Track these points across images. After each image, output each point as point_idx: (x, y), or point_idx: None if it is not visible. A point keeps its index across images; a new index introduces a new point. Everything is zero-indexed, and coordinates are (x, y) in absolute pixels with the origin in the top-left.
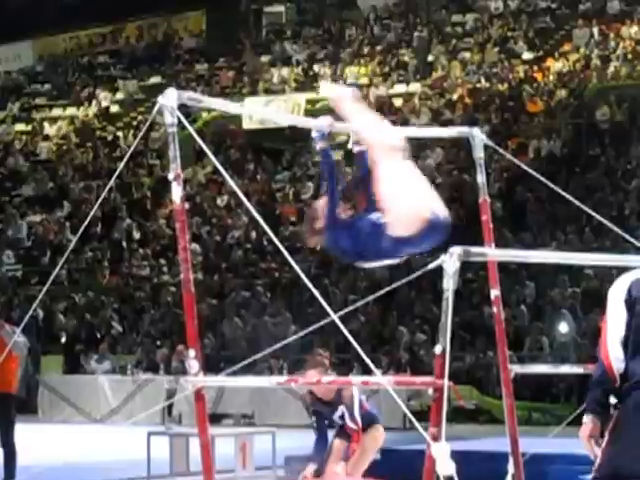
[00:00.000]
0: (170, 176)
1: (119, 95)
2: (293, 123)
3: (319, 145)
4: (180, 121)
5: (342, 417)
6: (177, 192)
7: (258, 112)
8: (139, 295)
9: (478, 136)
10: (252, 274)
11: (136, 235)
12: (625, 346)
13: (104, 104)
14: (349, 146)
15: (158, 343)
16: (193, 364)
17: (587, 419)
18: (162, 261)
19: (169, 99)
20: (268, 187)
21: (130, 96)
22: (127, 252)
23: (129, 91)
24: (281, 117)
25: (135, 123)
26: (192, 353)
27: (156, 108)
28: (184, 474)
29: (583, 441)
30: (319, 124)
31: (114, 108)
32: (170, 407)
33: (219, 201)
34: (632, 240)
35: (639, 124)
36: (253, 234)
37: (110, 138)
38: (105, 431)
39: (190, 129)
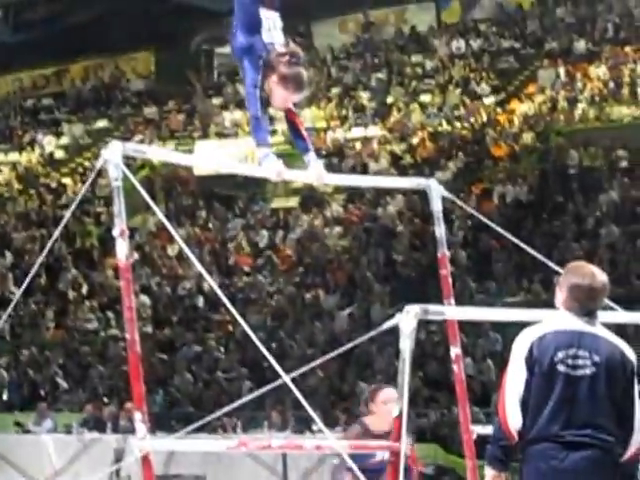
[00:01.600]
0: (115, 232)
1: (64, 140)
2: (241, 172)
3: None
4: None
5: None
6: (122, 249)
7: (202, 162)
8: (85, 350)
9: (436, 188)
10: (204, 327)
11: (83, 287)
12: (523, 404)
13: (48, 149)
14: None
15: (105, 400)
16: (140, 427)
17: (488, 473)
18: (110, 314)
19: (113, 153)
20: (221, 235)
21: (75, 141)
22: (73, 304)
23: (74, 135)
24: (228, 165)
25: (81, 169)
26: (139, 416)
27: (100, 162)
28: None
29: None
30: (267, 174)
31: (59, 153)
32: (118, 467)
33: (170, 250)
34: None
35: (609, 169)
36: (205, 285)
37: (54, 185)
38: None
39: (135, 182)
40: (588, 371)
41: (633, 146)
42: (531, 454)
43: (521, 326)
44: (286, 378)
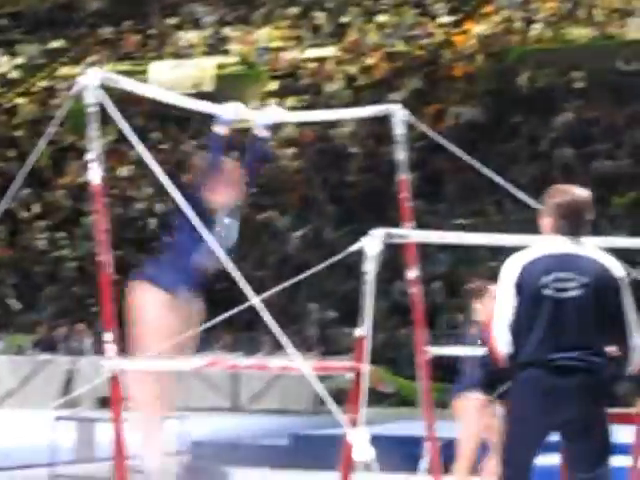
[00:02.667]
0: (89, 156)
1: (19, 60)
2: (199, 109)
3: (222, 131)
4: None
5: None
6: (96, 173)
7: (177, 100)
8: (37, 270)
9: (399, 113)
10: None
11: (35, 206)
12: (513, 330)
13: (3, 69)
14: (255, 131)
15: (57, 321)
16: (110, 348)
17: (478, 396)
18: (61, 234)
19: (92, 79)
20: (174, 156)
21: (30, 61)
22: (24, 224)
23: (29, 55)
24: (193, 103)
25: (36, 89)
26: (109, 337)
27: (77, 87)
28: (90, 460)
29: (472, 412)
30: (225, 112)
31: (13, 73)
32: (69, 389)
33: (120, 171)
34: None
35: (564, 90)
36: (157, 206)
37: (9, 105)
38: (1, 415)
39: (111, 107)
40: (575, 293)
41: (588, 67)
42: (521, 379)
43: (469, 248)
44: (256, 300)
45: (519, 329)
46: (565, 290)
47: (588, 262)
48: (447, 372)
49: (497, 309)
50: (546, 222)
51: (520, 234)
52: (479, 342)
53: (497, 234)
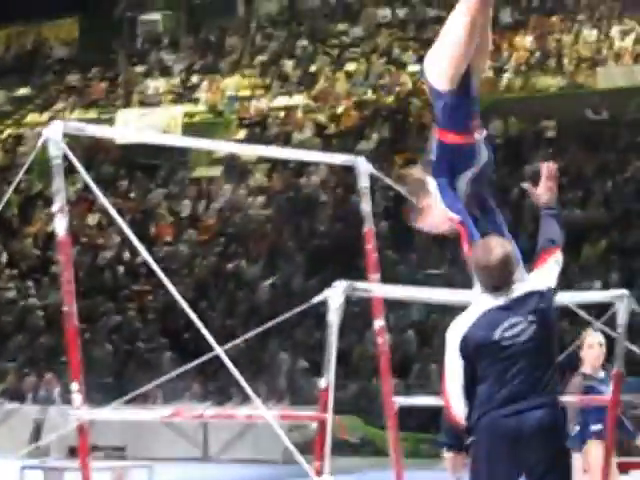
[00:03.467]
0: (54, 208)
1: None
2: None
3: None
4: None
5: None
6: (62, 225)
7: (151, 139)
8: (5, 319)
9: (363, 165)
10: (124, 297)
11: (2, 255)
12: (466, 391)
13: None
14: None
15: (25, 371)
16: (76, 397)
17: (447, 455)
18: (29, 283)
19: (54, 131)
20: (142, 205)
21: None
22: None
23: None
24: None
25: (3, 137)
26: (75, 387)
27: (41, 140)
28: None
29: (450, 473)
30: None
31: None
32: (37, 438)
33: (90, 219)
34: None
35: (534, 139)
36: (126, 255)
37: None
38: None
39: (76, 163)
40: (524, 337)
41: (558, 116)
42: (481, 426)
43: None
44: (219, 350)
45: (474, 388)
46: (515, 337)
47: (527, 300)
48: (420, 421)
49: (447, 375)
50: (476, 277)
51: None
52: None
53: (460, 290)
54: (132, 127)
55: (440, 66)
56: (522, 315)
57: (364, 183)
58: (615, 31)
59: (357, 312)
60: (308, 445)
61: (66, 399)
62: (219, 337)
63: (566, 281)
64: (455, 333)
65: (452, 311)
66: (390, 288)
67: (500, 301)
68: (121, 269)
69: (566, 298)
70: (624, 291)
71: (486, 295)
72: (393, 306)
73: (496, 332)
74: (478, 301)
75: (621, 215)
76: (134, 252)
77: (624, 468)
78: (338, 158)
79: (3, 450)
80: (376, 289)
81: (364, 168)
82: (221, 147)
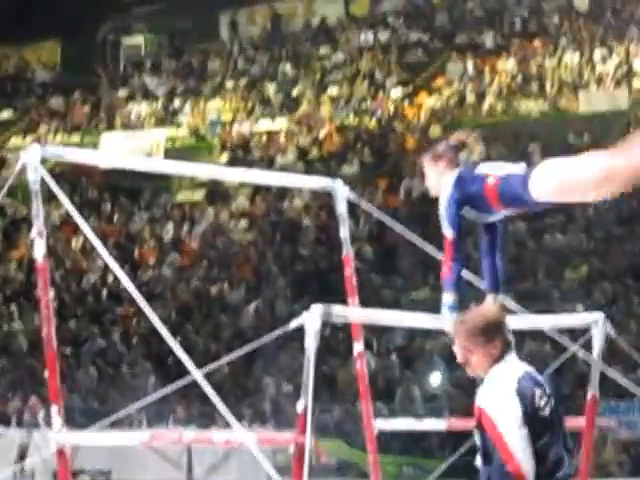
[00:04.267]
0: (33, 233)
1: None
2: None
3: None
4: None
5: None
6: (40, 249)
7: (131, 164)
8: None
9: (340, 190)
10: (109, 321)
11: None
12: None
13: None
14: None
15: (9, 395)
16: (56, 421)
17: None
18: (13, 307)
19: (32, 156)
20: (125, 229)
21: None
22: None
23: None
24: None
25: None
26: (55, 409)
27: (19, 165)
28: None
29: None
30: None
31: None
32: (22, 462)
33: (74, 243)
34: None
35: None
36: (110, 278)
37: None
38: None
39: (52, 183)
40: (549, 408)
41: (540, 140)
42: None
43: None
44: (197, 374)
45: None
46: (546, 406)
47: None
48: (403, 444)
49: (516, 447)
50: (485, 350)
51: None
52: None
53: (430, 315)
54: (115, 151)
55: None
56: (544, 386)
57: (342, 209)
58: (597, 56)
59: (343, 337)
60: (291, 468)
61: (50, 422)
62: (203, 361)
63: (548, 305)
64: (508, 400)
65: (435, 335)
66: (367, 312)
67: (526, 366)
68: (105, 293)
69: (543, 322)
70: (600, 315)
71: (507, 358)
72: (377, 330)
73: (535, 399)
74: (503, 367)
75: (602, 240)
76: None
77: None
78: (316, 182)
79: None
80: (352, 313)
81: (342, 193)
82: (199, 171)
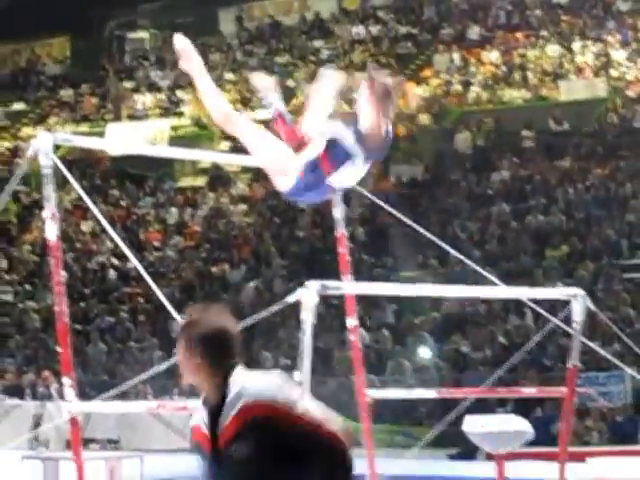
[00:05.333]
0: (45, 214)
1: None
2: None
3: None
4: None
5: None
6: (52, 230)
7: (132, 149)
8: (4, 321)
9: None
10: (117, 299)
11: (1, 261)
12: None
13: None
14: None
15: (24, 368)
16: (68, 391)
17: None
18: (27, 287)
19: (44, 142)
20: (132, 213)
21: None
22: None
23: None
24: (183, 153)
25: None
26: (67, 381)
27: (30, 150)
28: None
29: None
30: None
31: None
32: (36, 431)
33: (84, 227)
34: (477, 268)
35: (500, 149)
36: (117, 260)
37: None
38: None
39: (62, 168)
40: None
41: (524, 127)
42: None
43: (414, 299)
44: None
45: None
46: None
47: None
48: (395, 414)
49: None
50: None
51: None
52: None
53: (420, 285)
54: (121, 140)
55: None
56: None
57: None
58: (576, 47)
59: (335, 312)
60: None
61: (62, 395)
62: None
63: (531, 283)
64: None
65: (423, 311)
66: (358, 285)
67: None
68: (113, 273)
69: (526, 293)
70: (579, 290)
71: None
72: (368, 308)
73: None
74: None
75: (582, 221)
76: (125, 257)
77: (581, 456)
78: None
79: (5, 443)
80: (346, 287)
81: None
82: (204, 156)
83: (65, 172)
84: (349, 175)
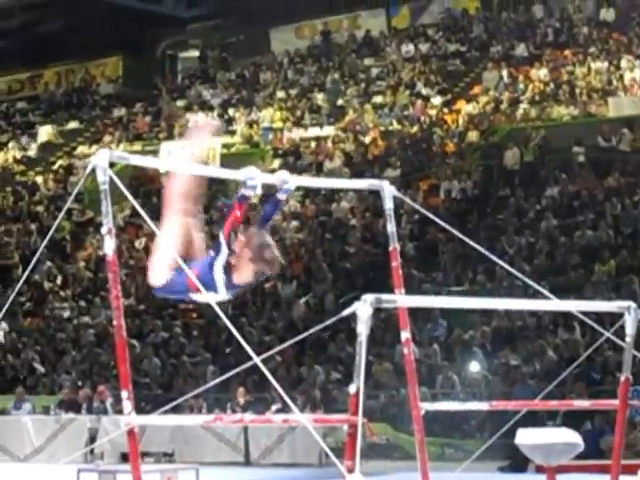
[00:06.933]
0: (103, 230)
1: (38, 140)
2: (219, 175)
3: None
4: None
5: None
6: (109, 245)
7: (183, 168)
8: (60, 336)
9: (387, 188)
10: (170, 315)
11: (57, 277)
12: None
13: (24, 149)
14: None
15: (79, 383)
16: (126, 404)
17: None
18: (82, 303)
19: (101, 159)
20: None
21: (49, 141)
22: (48, 294)
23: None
24: (207, 170)
25: (54, 167)
26: (125, 394)
27: (89, 168)
28: None
29: None
30: (252, 178)
31: (33, 153)
32: (92, 446)
33: (137, 243)
34: (527, 281)
35: (548, 165)
36: None
37: (29, 182)
38: (30, 470)
39: (121, 187)
40: None
41: (573, 144)
42: None
43: (465, 315)
44: (257, 360)
45: None
46: None
47: None
48: (445, 427)
49: None
50: None
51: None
52: None
53: (472, 298)
54: (174, 158)
55: None
56: None
57: (389, 205)
58: (624, 63)
59: (387, 326)
60: (341, 449)
61: (117, 409)
62: (258, 351)
63: (580, 299)
64: None
65: (473, 326)
66: (412, 298)
67: None
68: None
69: (576, 306)
70: (631, 303)
71: None
72: (418, 322)
73: None
74: None
75: (630, 236)
76: None
77: (633, 469)
78: (365, 183)
79: (61, 456)
80: (400, 300)
81: (389, 191)
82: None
83: (122, 188)
84: (208, 298)
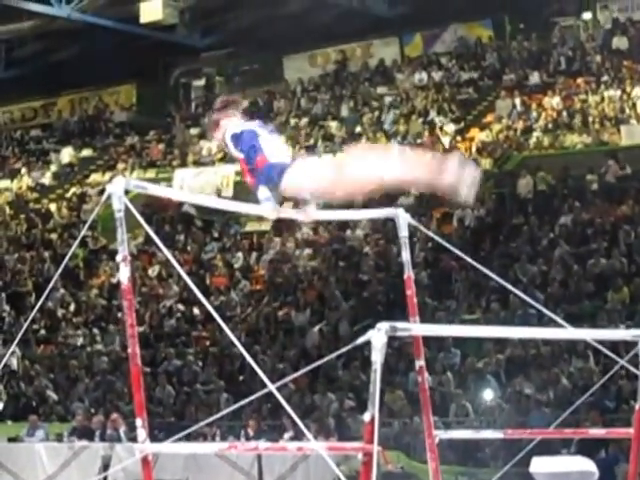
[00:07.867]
0: (118, 258)
1: (52, 168)
2: (239, 210)
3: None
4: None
5: None
6: (125, 273)
7: (200, 199)
8: (73, 364)
9: (402, 216)
10: (183, 343)
11: (70, 305)
12: None
13: (37, 177)
14: None
15: (92, 411)
16: (141, 432)
17: None
18: (95, 330)
19: (117, 187)
20: (198, 257)
21: (62, 169)
22: (61, 321)
23: (61, 164)
24: (226, 204)
25: (68, 195)
26: (139, 422)
27: (105, 195)
28: None
29: None
30: (265, 212)
31: (47, 181)
32: (106, 474)
33: (150, 271)
34: (542, 309)
35: (562, 193)
36: (183, 304)
37: (43, 210)
38: None
39: (137, 215)
40: None
41: (585, 172)
42: None
43: (478, 343)
44: (272, 387)
45: None
46: None
47: None
48: (459, 455)
49: None
50: None
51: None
52: None
53: (485, 327)
54: (188, 186)
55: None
56: None
57: (404, 232)
58: (637, 91)
59: (401, 354)
60: (354, 477)
61: (131, 437)
62: (271, 379)
63: (593, 327)
64: None
65: (487, 354)
66: (427, 327)
67: None
68: (180, 317)
69: (590, 335)
70: None
71: None
72: (432, 350)
73: None
74: None
75: None
76: (192, 301)
77: None
78: (381, 212)
79: None
80: (415, 328)
81: (404, 219)
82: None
83: (137, 216)
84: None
